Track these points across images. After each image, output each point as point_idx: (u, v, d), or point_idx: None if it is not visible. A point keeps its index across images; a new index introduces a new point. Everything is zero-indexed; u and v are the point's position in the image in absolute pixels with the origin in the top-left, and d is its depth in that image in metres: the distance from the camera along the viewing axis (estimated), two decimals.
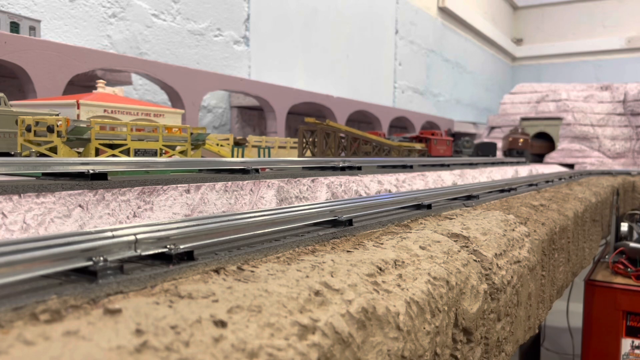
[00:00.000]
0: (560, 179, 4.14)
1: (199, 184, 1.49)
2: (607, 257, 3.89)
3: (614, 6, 11.47)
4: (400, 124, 7.04)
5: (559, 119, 7.11)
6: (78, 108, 2.01)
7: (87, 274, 0.72)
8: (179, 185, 1.43)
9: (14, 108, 1.90)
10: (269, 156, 3.06)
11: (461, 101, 9.57)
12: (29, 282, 0.69)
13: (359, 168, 2.58)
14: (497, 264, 1.27)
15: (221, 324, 0.58)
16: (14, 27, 2.54)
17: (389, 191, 2.38)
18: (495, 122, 7.81)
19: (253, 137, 3.03)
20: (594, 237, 3.18)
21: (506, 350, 1.32)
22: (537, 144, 6.91)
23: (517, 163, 5.64)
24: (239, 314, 0.61)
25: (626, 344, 3.39)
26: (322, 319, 0.67)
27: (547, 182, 3.61)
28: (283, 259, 0.91)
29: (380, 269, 0.90)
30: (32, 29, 2.65)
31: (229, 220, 1.04)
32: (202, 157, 2.37)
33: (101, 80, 2.31)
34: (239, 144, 2.76)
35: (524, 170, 4.81)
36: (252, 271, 0.79)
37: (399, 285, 0.88)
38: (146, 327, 0.53)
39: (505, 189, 2.65)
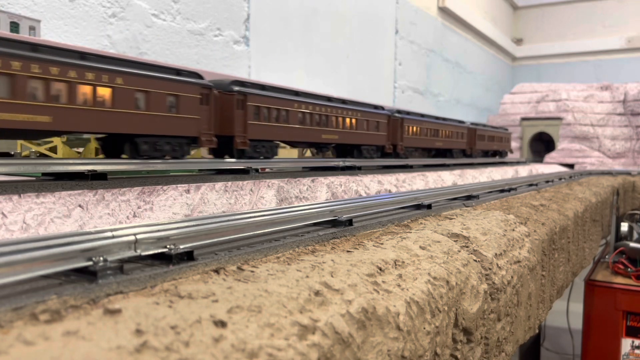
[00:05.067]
0: (560, 179, 4.14)
1: (199, 184, 1.49)
2: (607, 257, 3.89)
3: (614, 6, 11.47)
4: None
5: (559, 119, 7.12)
6: None
7: (87, 274, 0.73)
8: (179, 185, 1.43)
9: None
10: None
11: (461, 101, 9.58)
12: (29, 282, 0.69)
13: (359, 168, 2.58)
14: (497, 264, 1.27)
15: (221, 324, 0.58)
16: (14, 27, 2.54)
17: (389, 191, 2.38)
18: (495, 122, 7.81)
19: None
20: (594, 237, 3.18)
21: (506, 350, 1.32)
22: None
23: (517, 163, 5.63)
24: (239, 314, 0.61)
25: (626, 344, 3.39)
26: (322, 319, 0.66)
27: (547, 182, 3.61)
28: (283, 259, 0.91)
29: (380, 269, 0.90)
30: (32, 29, 2.65)
31: (229, 220, 1.04)
32: (202, 157, 2.37)
33: None
34: None
35: (524, 170, 4.81)
36: (252, 271, 0.79)
37: (399, 285, 0.88)
38: (146, 327, 0.53)
39: (505, 189, 2.65)
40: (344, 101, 2.82)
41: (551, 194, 2.76)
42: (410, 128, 3.39)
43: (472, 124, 4.56)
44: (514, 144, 7.43)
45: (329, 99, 2.74)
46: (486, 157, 5.03)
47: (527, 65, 12.55)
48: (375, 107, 3.13)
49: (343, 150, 2.95)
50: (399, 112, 3.33)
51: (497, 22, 11.31)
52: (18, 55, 1.25)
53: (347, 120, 2.79)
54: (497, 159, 5.22)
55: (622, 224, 4.42)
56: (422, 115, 3.62)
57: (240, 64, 4.76)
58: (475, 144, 4.55)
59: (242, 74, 4.73)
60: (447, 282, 1.00)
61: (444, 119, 4.01)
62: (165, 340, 0.52)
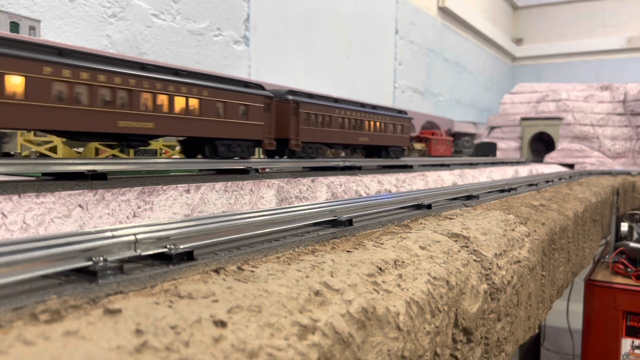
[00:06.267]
0: (560, 179, 4.14)
1: (199, 184, 1.49)
2: (607, 257, 3.89)
3: (614, 6, 11.48)
4: None
5: (559, 119, 7.11)
6: None
7: (87, 274, 0.72)
8: (179, 185, 1.43)
9: None
10: None
11: (461, 101, 9.58)
12: (29, 282, 0.69)
13: (359, 168, 2.58)
14: (497, 264, 1.27)
15: (221, 324, 0.58)
16: (14, 27, 2.54)
17: (389, 191, 2.38)
18: (495, 122, 7.81)
19: None
20: (594, 237, 3.18)
21: (506, 350, 1.32)
22: None
23: (517, 163, 5.63)
24: (239, 314, 0.61)
25: (626, 344, 3.39)
26: (322, 319, 0.66)
27: (547, 182, 3.61)
28: (283, 259, 0.91)
29: (380, 269, 0.90)
30: (32, 29, 2.65)
31: (229, 220, 1.04)
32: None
33: None
34: None
35: (524, 170, 4.81)
36: (252, 271, 0.79)
37: (399, 285, 0.88)
38: (146, 327, 0.53)
39: (505, 189, 2.65)
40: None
41: (551, 194, 2.76)
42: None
43: (290, 92, 2.38)
44: (513, 144, 7.42)
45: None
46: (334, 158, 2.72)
47: (527, 65, 12.56)
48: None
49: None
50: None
51: (497, 22, 11.31)
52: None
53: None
54: (381, 160, 3.10)
55: (622, 224, 4.41)
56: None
57: (240, 64, 4.76)
58: (298, 134, 2.37)
59: (242, 74, 4.73)
60: (447, 282, 1.00)
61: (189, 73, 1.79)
62: (165, 340, 0.52)
